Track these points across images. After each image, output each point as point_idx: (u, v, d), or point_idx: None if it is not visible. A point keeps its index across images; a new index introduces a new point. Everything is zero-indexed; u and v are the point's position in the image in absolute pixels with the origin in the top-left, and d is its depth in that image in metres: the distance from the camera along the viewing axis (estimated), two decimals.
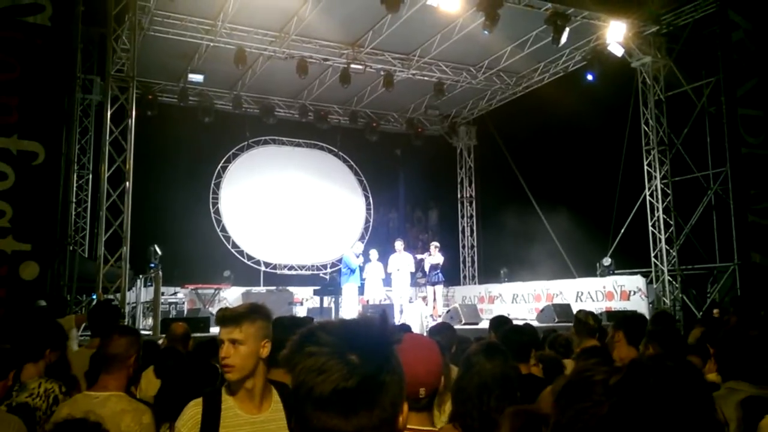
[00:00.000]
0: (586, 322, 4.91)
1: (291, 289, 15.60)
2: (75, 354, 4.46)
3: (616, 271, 13.57)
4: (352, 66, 13.89)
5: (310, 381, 1.01)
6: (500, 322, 5.04)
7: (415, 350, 2.00)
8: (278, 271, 16.90)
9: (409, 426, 1.96)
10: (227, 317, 2.41)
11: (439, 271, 13.96)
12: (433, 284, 14.05)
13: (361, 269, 13.41)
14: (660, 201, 13.06)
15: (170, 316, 12.13)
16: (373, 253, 13.92)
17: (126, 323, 9.44)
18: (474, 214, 19.34)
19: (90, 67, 13.37)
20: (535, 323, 11.13)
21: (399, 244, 14.02)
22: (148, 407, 2.87)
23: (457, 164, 19.62)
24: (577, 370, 1.06)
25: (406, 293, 13.96)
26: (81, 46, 10.92)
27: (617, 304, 12.79)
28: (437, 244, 14.51)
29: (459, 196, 19.56)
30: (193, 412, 2.33)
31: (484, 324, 11.45)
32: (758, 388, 2.53)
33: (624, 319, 4.31)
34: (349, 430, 1.01)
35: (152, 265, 11.71)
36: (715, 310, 10.26)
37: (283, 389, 2.45)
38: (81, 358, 4.08)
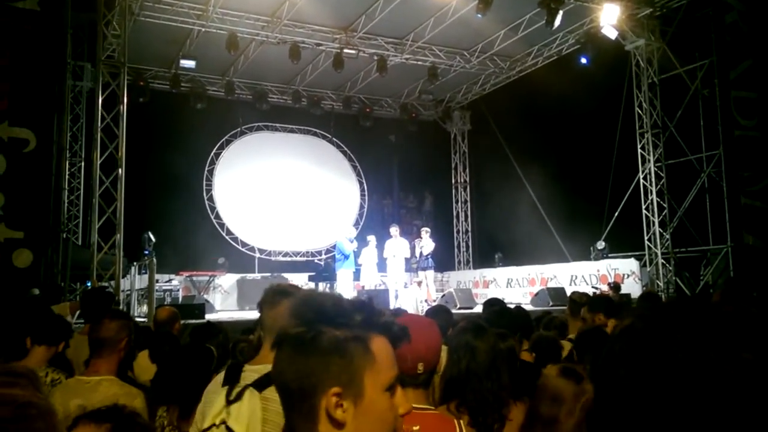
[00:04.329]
0: (581, 303, 4.92)
1: (286, 275, 15.61)
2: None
3: (609, 255, 13.61)
4: (345, 51, 13.82)
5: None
6: (490, 304, 5.05)
7: (414, 326, 2.00)
8: (273, 258, 16.89)
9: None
10: None
11: (429, 256, 13.96)
12: (424, 269, 14.04)
13: (356, 255, 13.42)
14: (653, 184, 13.08)
15: (165, 303, 12.11)
16: (371, 239, 13.93)
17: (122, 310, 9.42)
18: (468, 199, 19.35)
19: (80, 54, 13.25)
20: (529, 307, 11.19)
21: (394, 230, 14.03)
22: (141, 391, 2.86)
23: (451, 149, 19.60)
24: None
25: (401, 278, 14.00)
26: (71, 31, 10.84)
27: None
28: (428, 229, 14.51)
29: (453, 181, 19.54)
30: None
31: (479, 308, 11.48)
32: None
33: (597, 301, 4.43)
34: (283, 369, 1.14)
35: (146, 252, 11.69)
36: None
37: None
38: (73, 344, 4.07)
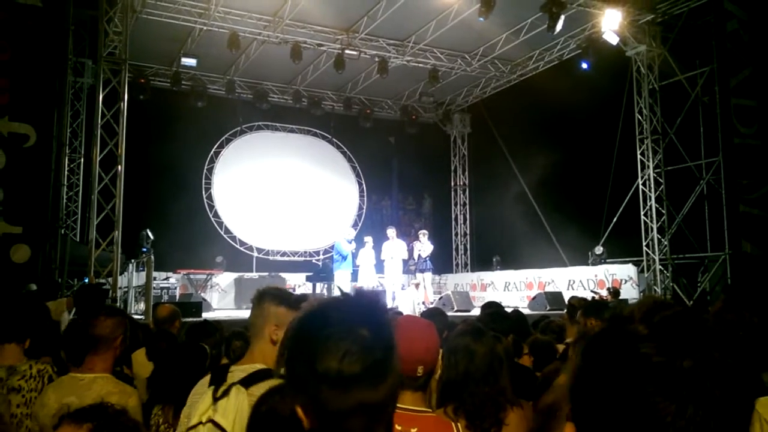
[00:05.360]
0: (579, 308, 4.92)
1: (283, 275, 15.63)
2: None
3: (607, 260, 13.62)
4: (347, 52, 13.82)
5: (336, 364, 1.04)
6: (487, 307, 5.05)
7: (414, 328, 2.01)
8: (271, 257, 16.87)
9: (405, 406, 1.97)
10: None
11: (427, 258, 13.95)
12: (422, 271, 14.04)
13: (354, 256, 13.41)
14: (652, 190, 13.09)
15: (162, 301, 12.09)
16: (368, 240, 13.92)
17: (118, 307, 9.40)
18: (467, 202, 19.36)
19: (82, 50, 13.23)
20: (526, 311, 11.19)
21: (391, 232, 14.02)
22: (136, 389, 2.84)
23: (450, 152, 19.61)
24: None
25: (398, 280, 13.99)
26: (72, 28, 10.80)
27: None
28: (426, 231, 14.52)
29: (452, 183, 19.55)
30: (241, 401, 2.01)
31: (477, 311, 11.48)
32: None
33: (591, 307, 4.47)
34: (378, 398, 1.06)
35: (144, 249, 11.67)
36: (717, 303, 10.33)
37: None
38: None
